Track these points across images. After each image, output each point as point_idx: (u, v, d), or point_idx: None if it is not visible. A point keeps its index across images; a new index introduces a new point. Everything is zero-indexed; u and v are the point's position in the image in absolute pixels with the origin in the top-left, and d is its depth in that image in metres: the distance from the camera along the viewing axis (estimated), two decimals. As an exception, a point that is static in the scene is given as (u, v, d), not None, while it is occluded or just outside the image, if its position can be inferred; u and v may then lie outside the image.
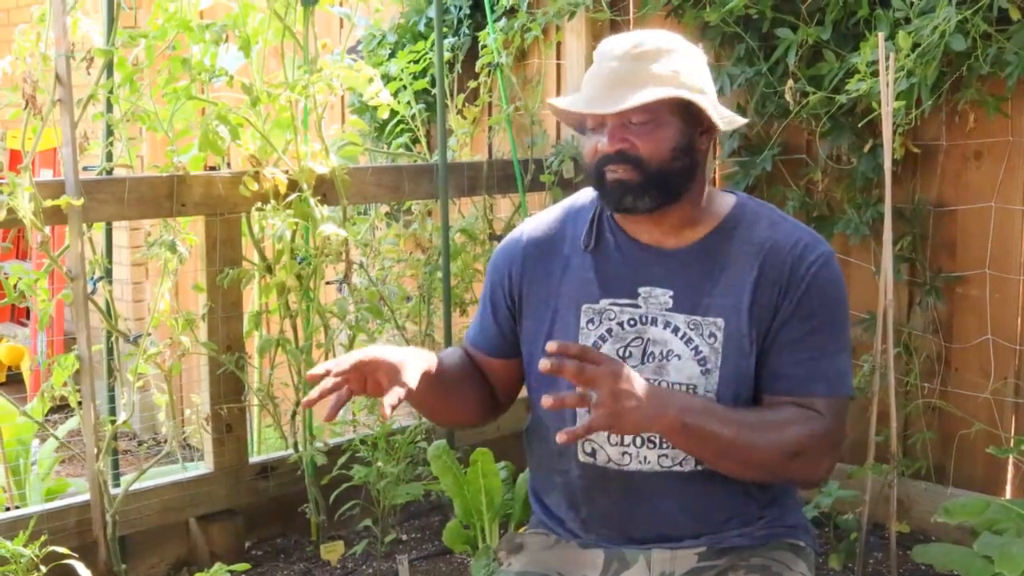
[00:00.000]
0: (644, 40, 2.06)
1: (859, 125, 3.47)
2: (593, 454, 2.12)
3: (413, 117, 4.46)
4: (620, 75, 2.02)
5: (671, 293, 2.09)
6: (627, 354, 2.09)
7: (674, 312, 2.08)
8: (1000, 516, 2.99)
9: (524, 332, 2.22)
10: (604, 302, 2.12)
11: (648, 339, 2.08)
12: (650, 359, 2.08)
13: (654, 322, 2.09)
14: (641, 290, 2.11)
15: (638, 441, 2.09)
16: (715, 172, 4.02)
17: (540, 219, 2.28)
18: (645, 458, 2.09)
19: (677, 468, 2.09)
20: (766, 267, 2.07)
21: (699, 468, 2.08)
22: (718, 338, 2.06)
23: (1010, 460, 3.53)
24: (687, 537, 2.12)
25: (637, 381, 1.88)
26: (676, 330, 2.07)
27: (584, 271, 2.15)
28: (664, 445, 2.08)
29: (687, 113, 2.05)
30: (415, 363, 1.98)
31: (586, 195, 2.26)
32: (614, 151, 2.02)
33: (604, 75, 2.04)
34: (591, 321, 2.12)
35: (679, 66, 2.05)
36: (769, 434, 2.00)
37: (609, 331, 2.10)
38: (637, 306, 2.10)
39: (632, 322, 2.10)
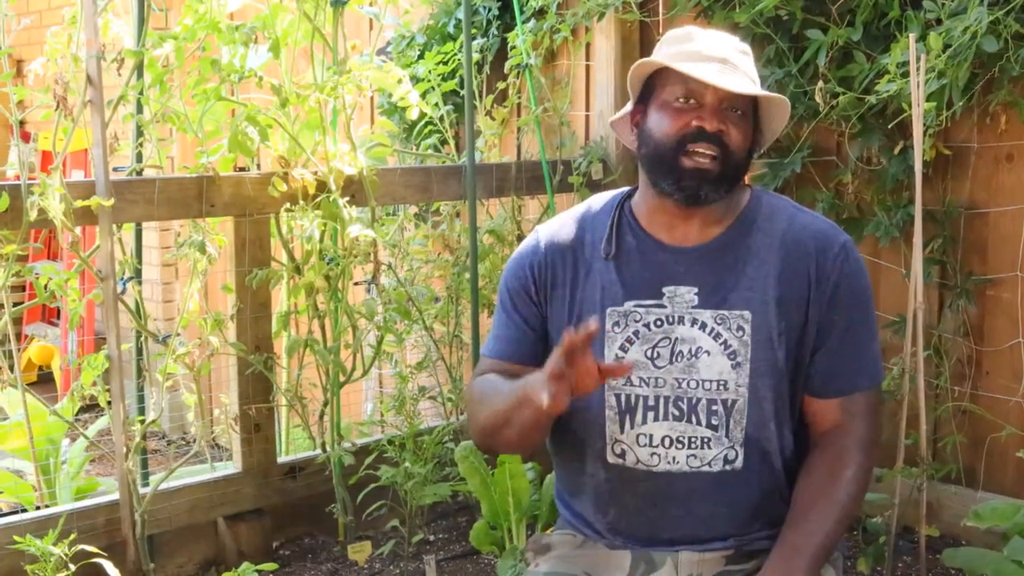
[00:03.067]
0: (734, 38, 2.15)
1: (889, 127, 3.45)
2: (622, 455, 2.12)
3: (442, 118, 4.47)
4: (733, 61, 2.07)
5: (696, 290, 2.10)
6: (655, 355, 2.09)
7: (700, 308, 2.09)
8: (1031, 521, 2.97)
9: (549, 337, 2.21)
10: (629, 304, 2.12)
11: (676, 338, 2.09)
12: (679, 358, 2.09)
13: (681, 320, 2.09)
14: (666, 290, 2.11)
15: (667, 442, 2.09)
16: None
17: (555, 225, 2.26)
18: (674, 459, 2.09)
19: (706, 468, 2.09)
20: (789, 260, 2.09)
21: (727, 468, 2.09)
22: (746, 331, 2.07)
23: (1041, 464, 3.51)
24: (716, 538, 2.12)
25: None
26: (704, 326, 2.08)
27: (607, 274, 2.15)
28: (693, 445, 2.08)
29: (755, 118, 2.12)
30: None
31: (600, 201, 2.26)
32: (715, 130, 2.02)
33: (714, 54, 2.06)
34: (616, 324, 2.12)
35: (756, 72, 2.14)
36: (842, 511, 2.05)
37: (636, 333, 2.10)
38: (663, 306, 2.10)
39: (659, 322, 2.09)
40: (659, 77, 2.09)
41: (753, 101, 2.09)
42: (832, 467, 2.07)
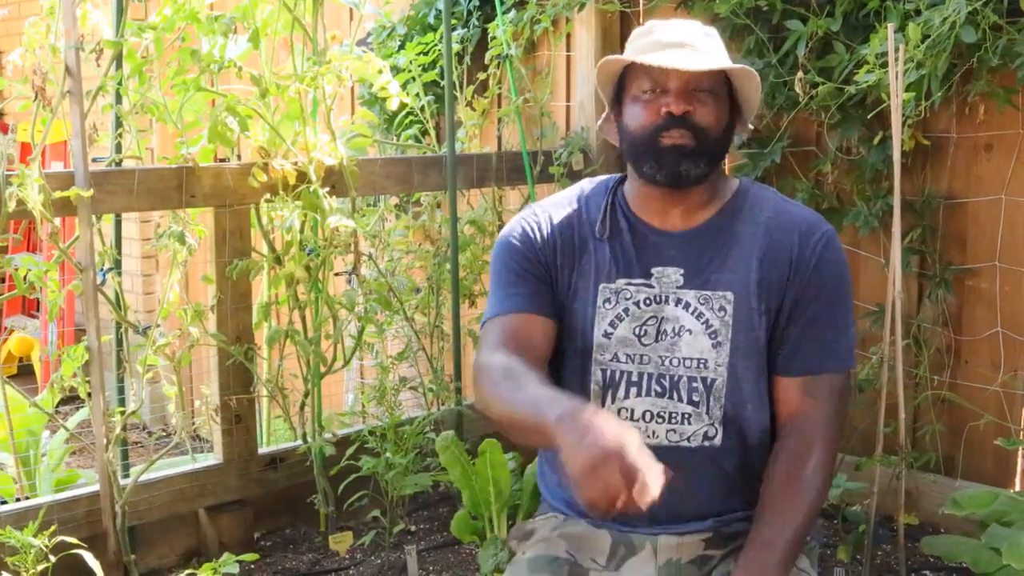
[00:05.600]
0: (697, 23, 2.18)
1: (869, 117, 3.46)
2: (601, 429, 2.14)
3: (422, 109, 4.46)
4: (693, 43, 2.10)
5: (682, 271, 2.15)
6: (643, 332, 2.14)
7: (685, 289, 2.14)
8: (1008, 508, 2.99)
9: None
10: (620, 281, 2.16)
11: (663, 317, 2.14)
12: (663, 336, 2.14)
13: (667, 300, 2.14)
14: (654, 270, 2.15)
15: (647, 416, 2.13)
16: (725, 163, 4.01)
17: (550, 201, 2.30)
18: (653, 432, 2.13)
19: (685, 443, 2.13)
20: (772, 245, 2.14)
21: (706, 444, 2.13)
22: (728, 311, 2.12)
23: (1019, 452, 3.53)
24: (692, 515, 2.15)
25: None
26: (687, 306, 2.13)
27: (601, 252, 2.19)
28: (673, 420, 2.12)
29: (732, 97, 2.16)
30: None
31: (592, 184, 2.30)
32: (681, 112, 2.06)
33: (673, 40, 2.10)
34: (608, 301, 2.16)
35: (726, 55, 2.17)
36: (809, 504, 2.07)
37: (626, 311, 2.15)
38: (651, 286, 2.15)
39: (648, 301, 2.14)
40: (628, 75, 2.15)
41: (725, 78, 2.13)
42: (796, 460, 2.09)
